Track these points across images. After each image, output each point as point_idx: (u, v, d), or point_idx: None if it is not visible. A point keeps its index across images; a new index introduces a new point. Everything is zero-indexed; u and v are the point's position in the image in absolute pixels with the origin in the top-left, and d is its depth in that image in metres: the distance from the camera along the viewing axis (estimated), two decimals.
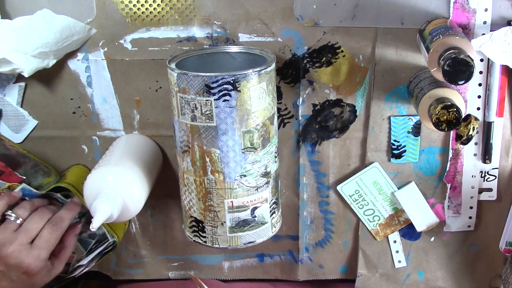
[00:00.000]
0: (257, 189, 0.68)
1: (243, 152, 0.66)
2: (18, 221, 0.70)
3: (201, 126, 0.64)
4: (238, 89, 0.63)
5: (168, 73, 0.66)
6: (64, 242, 0.73)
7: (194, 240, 0.71)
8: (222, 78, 0.62)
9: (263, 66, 0.65)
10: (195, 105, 0.63)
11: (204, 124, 0.64)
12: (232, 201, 0.67)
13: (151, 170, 0.77)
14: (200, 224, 0.69)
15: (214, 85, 0.62)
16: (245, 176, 0.67)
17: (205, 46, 0.76)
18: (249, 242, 0.70)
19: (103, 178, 0.71)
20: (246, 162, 0.66)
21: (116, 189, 0.69)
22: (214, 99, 0.63)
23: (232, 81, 0.62)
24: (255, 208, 0.69)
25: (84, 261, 0.80)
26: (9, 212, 0.70)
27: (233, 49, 0.74)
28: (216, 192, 0.67)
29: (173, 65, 0.67)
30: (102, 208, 0.67)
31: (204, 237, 0.70)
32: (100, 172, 0.72)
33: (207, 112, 0.63)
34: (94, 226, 0.65)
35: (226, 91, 0.63)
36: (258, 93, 0.65)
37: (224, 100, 0.63)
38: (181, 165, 0.69)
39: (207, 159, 0.65)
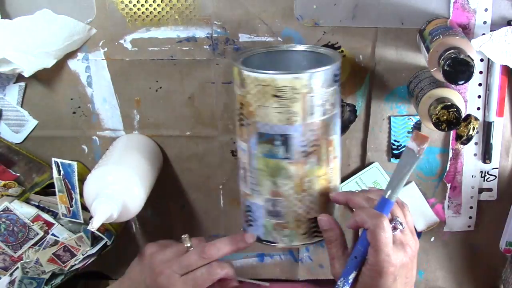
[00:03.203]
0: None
1: (341, 131, 0.69)
2: (186, 245, 0.69)
3: (328, 117, 0.65)
4: (339, 74, 0.67)
5: (289, 81, 0.62)
6: None
7: (314, 243, 0.70)
8: (339, 65, 0.65)
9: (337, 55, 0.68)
10: (327, 98, 0.64)
11: (331, 114, 0.65)
12: (338, 181, 0.70)
13: (151, 170, 0.77)
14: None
15: (338, 71, 0.65)
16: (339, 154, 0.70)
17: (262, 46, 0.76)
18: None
19: (103, 178, 0.71)
20: (341, 139, 0.70)
21: (116, 189, 0.69)
22: (337, 86, 0.66)
23: (338, 69, 0.66)
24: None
25: (92, 251, 0.80)
26: (185, 236, 0.70)
27: (298, 47, 0.74)
28: (333, 179, 0.68)
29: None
30: (102, 208, 0.67)
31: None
32: (100, 172, 0.72)
33: (333, 101, 0.65)
34: (94, 226, 0.65)
35: (339, 78, 0.66)
36: None
37: (339, 85, 0.66)
38: (299, 172, 0.66)
39: (330, 149, 0.66)
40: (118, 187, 0.70)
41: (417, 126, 0.79)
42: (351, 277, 0.60)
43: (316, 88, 0.62)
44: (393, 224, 0.58)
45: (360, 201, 0.62)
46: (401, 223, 0.59)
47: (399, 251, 0.58)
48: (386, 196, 0.59)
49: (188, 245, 0.69)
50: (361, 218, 0.59)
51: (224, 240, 0.68)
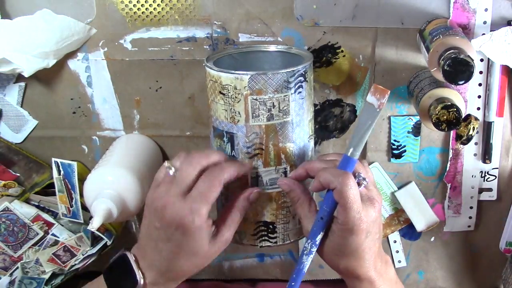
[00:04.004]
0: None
1: (308, 141, 0.67)
2: (171, 172, 0.60)
3: (277, 123, 0.64)
4: (307, 79, 0.64)
5: (231, 80, 0.62)
6: (232, 205, 0.63)
7: (261, 246, 0.69)
8: (298, 71, 0.63)
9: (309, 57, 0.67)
10: (273, 103, 0.63)
11: (281, 121, 0.64)
12: None
13: (151, 170, 0.77)
14: (271, 226, 0.68)
15: (292, 79, 0.63)
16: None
17: (234, 46, 0.76)
18: None
19: (103, 178, 0.71)
20: (309, 150, 0.68)
21: (116, 189, 0.70)
22: (291, 93, 0.63)
23: (303, 72, 0.63)
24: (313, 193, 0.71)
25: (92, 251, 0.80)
26: (165, 164, 0.61)
27: (271, 48, 0.74)
28: None
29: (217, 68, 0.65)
30: (102, 208, 0.67)
31: (274, 237, 0.69)
32: (100, 172, 0.72)
33: (285, 108, 0.63)
34: (94, 226, 0.65)
35: (299, 83, 0.63)
36: (312, 83, 0.67)
37: (298, 93, 0.64)
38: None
39: (282, 156, 0.65)
40: (118, 187, 0.70)
41: (417, 126, 0.79)
42: (318, 238, 0.59)
43: (260, 91, 0.62)
44: (357, 180, 0.57)
45: (320, 165, 0.61)
46: (364, 179, 0.58)
47: (368, 206, 0.57)
48: (349, 154, 0.58)
49: (173, 170, 0.61)
50: (325, 178, 0.57)
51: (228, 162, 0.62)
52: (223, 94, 0.63)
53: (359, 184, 0.58)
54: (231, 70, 0.62)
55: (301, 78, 0.63)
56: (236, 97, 0.62)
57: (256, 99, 0.62)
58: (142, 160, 0.76)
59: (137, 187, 0.71)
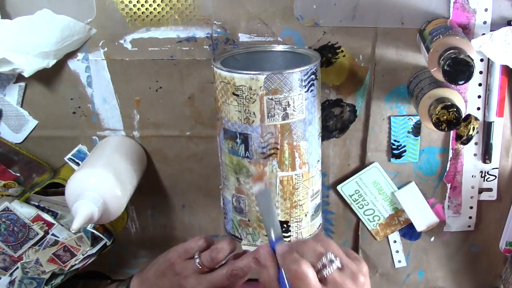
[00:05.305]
0: (321, 171, 0.71)
1: (318, 138, 0.68)
2: (197, 262, 0.63)
3: (292, 122, 0.64)
4: (317, 77, 0.65)
5: (246, 81, 0.62)
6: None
7: None
8: (310, 70, 0.63)
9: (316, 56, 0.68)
10: (288, 102, 0.63)
11: (296, 120, 0.64)
12: (313, 189, 0.69)
13: (133, 173, 0.76)
14: (285, 225, 0.68)
15: (305, 77, 0.63)
16: (319, 161, 0.69)
17: (234, 46, 0.76)
18: (320, 225, 0.73)
19: (85, 180, 0.70)
20: (319, 147, 0.69)
21: (97, 191, 0.69)
22: (304, 92, 0.64)
23: (315, 71, 0.64)
24: (321, 190, 0.72)
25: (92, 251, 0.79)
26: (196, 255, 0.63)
27: (277, 48, 0.74)
28: (303, 185, 0.67)
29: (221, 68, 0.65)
30: (83, 210, 0.66)
31: (288, 236, 0.69)
32: (83, 173, 0.71)
33: (299, 106, 0.64)
34: (74, 227, 0.64)
35: (312, 81, 0.64)
36: (320, 81, 0.68)
37: (311, 91, 0.64)
38: (260, 171, 0.66)
39: (296, 154, 0.65)
40: (100, 189, 0.69)
41: (417, 126, 0.79)
42: None
43: (275, 90, 0.62)
44: (322, 264, 0.50)
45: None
46: (331, 261, 0.51)
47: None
48: (273, 238, 0.54)
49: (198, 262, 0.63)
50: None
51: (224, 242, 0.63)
52: (237, 95, 0.63)
53: (324, 267, 0.50)
54: (245, 71, 0.62)
55: (313, 76, 0.64)
56: (251, 98, 0.62)
57: (271, 99, 0.62)
58: (125, 162, 0.75)
59: (118, 189, 0.71)
